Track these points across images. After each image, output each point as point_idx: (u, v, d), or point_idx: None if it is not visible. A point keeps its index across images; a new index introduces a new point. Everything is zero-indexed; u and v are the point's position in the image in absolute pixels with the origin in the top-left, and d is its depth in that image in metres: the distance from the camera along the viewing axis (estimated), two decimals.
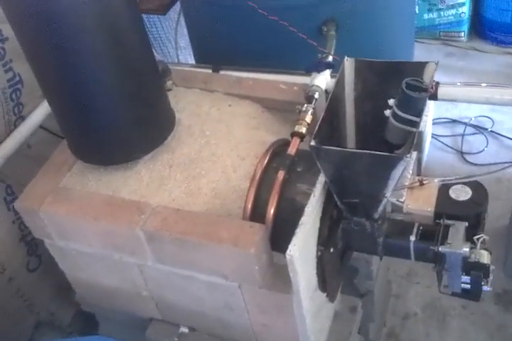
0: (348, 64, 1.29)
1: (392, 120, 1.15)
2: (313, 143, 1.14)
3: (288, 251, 1.15)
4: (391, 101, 1.15)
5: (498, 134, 2.67)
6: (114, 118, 1.38)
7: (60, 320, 2.02)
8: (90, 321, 1.89)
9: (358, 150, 1.12)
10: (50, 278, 1.93)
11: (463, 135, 2.69)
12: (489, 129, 2.69)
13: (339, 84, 1.29)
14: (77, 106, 1.36)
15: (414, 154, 1.58)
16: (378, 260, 1.62)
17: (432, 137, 2.56)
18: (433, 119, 2.43)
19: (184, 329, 1.55)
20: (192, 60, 2.48)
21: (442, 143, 2.66)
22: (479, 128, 2.71)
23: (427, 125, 2.21)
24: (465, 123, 2.73)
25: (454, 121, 2.76)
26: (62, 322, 2.03)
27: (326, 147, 1.12)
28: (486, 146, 2.63)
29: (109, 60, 1.29)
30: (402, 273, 2.17)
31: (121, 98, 1.36)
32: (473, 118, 2.74)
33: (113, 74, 1.31)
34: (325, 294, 1.39)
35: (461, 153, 2.61)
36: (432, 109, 2.31)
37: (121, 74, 1.32)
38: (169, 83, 1.63)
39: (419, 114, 1.13)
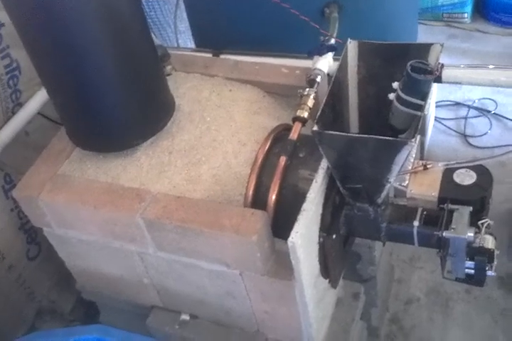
0: (351, 46, 1.27)
1: (396, 103, 1.13)
2: (315, 128, 1.12)
3: (290, 238, 1.14)
4: (395, 85, 1.12)
5: (502, 116, 2.64)
6: (113, 104, 1.37)
7: (62, 307, 2.03)
8: (92, 308, 1.89)
9: (361, 135, 1.09)
10: (51, 266, 1.93)
11: (466, 118, 2.66)
12: (493, 112, 2.66)
13: (342, 67, 1.26)
14: (75, 93, 1.34)
15: (418, 138, 1.56)
16: (381, 245, 1.61)
17: (435, 120, 2.53)
18: (436, 102, 2.41)
19: (185, 317, 1.54)
20: (192, 45, 2.45)
21: (445, 126, 2.63)
22: (483, 111, 2.68)
23: (430, 108, 2.19)
24: (468, 106, 2.70)
25: (457, 103, 2.72)
26: (64, 310, 2.03)
27: (329, 132, 1.10)
28: (490, 129, 2.60)
29: (107, 45, 1.27)
30: (404, 258, 2.16)
31: (120, 83, 1.34)
32: (476, 101, 2.71)
33: (111, 59, 1.29)
34: (327, 280, 1.38)
35: (465, 136, 2.59)
36: (434, 92, 2.29)
37: (119, 59, 1.30)
38: (169, 68, 1.61)
39: (424, 97, 1.10)
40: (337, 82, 1.23)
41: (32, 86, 1.74)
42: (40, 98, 1.73)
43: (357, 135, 1.14)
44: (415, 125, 1.08)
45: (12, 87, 1.73)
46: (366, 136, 1.06)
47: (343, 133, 1.10)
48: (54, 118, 1.70)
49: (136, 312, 1.63)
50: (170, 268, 1.42)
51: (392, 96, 1.13)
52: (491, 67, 1.40)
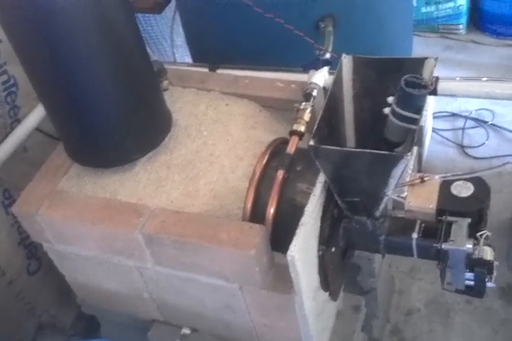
0: (346, 61, 1.28)
1: (391, 118, 1.13)
2: (312, 142, 1.12)
3: (289, 252, 1.14)
4: (390, 99, 1.13)
5: (499, 127, 2.65)
6: (110, 120, 1.37)
7: (62, 322, 2.02)
8: (92, 323, 1.88)
9: (357, 150, 1.10)
10: (51, 281, 1.92)
11: (463, 129, 2.67)
12: (490, 122, 2.67)
13: (337, 81, 1.27)
14: (72, 109, 1.34)
15: (415, 149, 1.56)
16: (380, 257, 1.61)
17: (433, 131, 2.54)
18: (433, 113, 2.41)
19: (186, 331, 1.54)
20: (189, 59, 2.46)
21: (443, 137, 2.64)
22: (480, 122, 2.69)
23: (427, 119, 2.19)
24: (465, 117, 2.71)
25: (454, 114, 2.73)
26: (64, 325, 2.02)
27: (325, 146, 1.10)
28: (487, 139, 2.61)
29: (102, 61, 1.27)
30: (404, 269, 2.15)
31: (116, 99, 1.35)
32: (473, 112, 2.72)
33: (107, 75, 1.30)
34: (327, 293, 1.38)
35: (462, 147, 2.59)
36: (431, 103, 2.29)
37: (115, 75, 1.31)
38: (165, 83, 1.62)
39: (418, 111, 1.11)
40: (332, 96, 1.24)
41: (30, 101, 1.75)
42: (38, 114, 1.73)
43: (353, 149, 1.15)
44: (411, 139, 1.09)
45: (10, 103, 1.74)
46: (362, 150, 1.07)
47: (339, 148, 1.11)
48: (52, 133, 1.70)
49: (137, 325, 1.63)
50: (169, 282, 1.42)
51: (387, 110, 1.14)
52: (484, 79, 1.41)
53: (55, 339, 1.97)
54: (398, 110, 1.11)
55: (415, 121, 1.11)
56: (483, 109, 2.71)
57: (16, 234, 1.83)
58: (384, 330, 1.97)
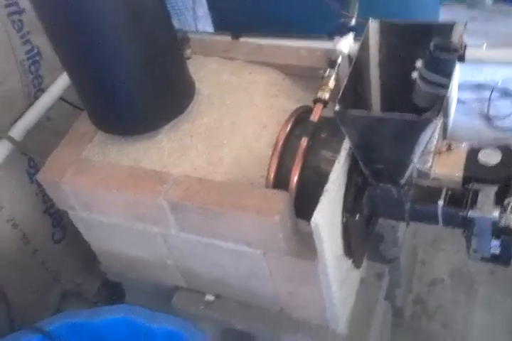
0: (373, 26, 1.25)
1: (419, 82, 1.11)
2: (337, 108, 1.11)
3: (313, 219, 1.13)
4: (419, 63, 1.11)
5: None
6: (134, 87, 1.37)
7: (87, 290, 2.05)
8: (116, 291, 1.90)
9: (384, 114, 1.08)
10: (76, 249, 1.95)
11: (489, 99, 2.62)
12: None
13: (363, 47, 1.25)
14: (96, 77, 1.34)
15: (441, 120, 1.54)
16: (404, 226, 1.60)
17: (458, 102, 2.50)
18: (458, 83, 2.37)
19: (210, 297, 1.55)
20: (211, 30, 2.43)
21: (468, 107, 2.59)
22: (506, 92, 2.63)
23: (452, 89, 2.15)
24: (491, 87, 2.66)
25: (480, 85, 2.68)
26: (89, 293, 2.05)
27: (351, 111, 1.09)
28: None
29: (126, 28, 1.27)
30: (428, 240, 2.14)
31: (140, 67, 1.34)
32: (499, 82, 2.66)
33: (130, 42, 1.29)
34: (351, 261, 1.38)
35: (488, 118, 2.55)
36: (457, 73, 2.25)
37: (138, 42, 1.30)
38: (188, 51, 1.60)
39: (448, 75, 1.09)
40: (358, 62, 1.22)
41: (53, 71, 1.75)
42: (61, 83, 1.74)
43: (380, 114, 1.13)
44: (439, 103, 1.07)
45: (34, 73, 1.74)
46: (389, 115, 1.05)
47: (366, 113, 1.09)
48: (76, 103, 1.70)
49: (161, 293, 1.65)
50: (193, 249, 1.43)
51: (415, 75, 1.12)
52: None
53: (79, 307, 2.00)
54: (427, 75, 1.08)
55: (444, 86, 1.08)
56: (509, 79, 2.65)
57: (40, 203, 1.86)
58: (407, 300, 1.97)
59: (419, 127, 1.05)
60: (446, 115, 1.79)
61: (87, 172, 1.41)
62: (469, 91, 2.67)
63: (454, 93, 2.17)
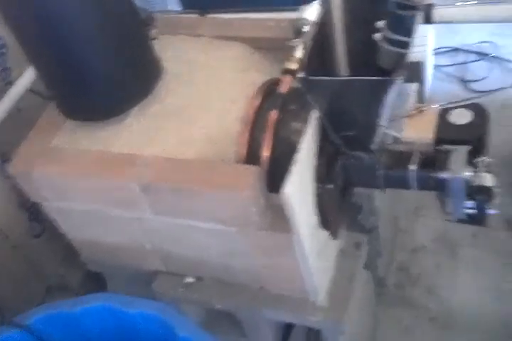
0: None
1: (382, 43, 1.09)
2: (301, 74, 1.09)
3: (283, 189, 1.12)
4: (380, 23, 1.09)
5: (501, 59, 2.58)
6: (97, 70, 1.35)
7: (71, 282, 2.03)
8: (100, 281, 1.89)
9: (347, 78, 1.07)
10: (57, 242, 1.91)
11: (465, 63, 2.60)
12: (492, 54, 2.59)
13: (326, 12, 1.22)
14: (58, 61, 1.32)
15: (415, 86, 1.52)
16: (381, 195, 1.59)
17: (435, 67, 2.48)
18: (434, 49, 2.35)
19: (190, 280, 1.54)
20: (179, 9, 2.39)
21: (445, 72, 2.57)
22: (481, 55, 2.61)
23: (427, 55, 2.13)
24: (467, 51, 2.64)
25: (455, 49, 2.66)
26: (73, 284, 2.03)
27: (315, 77, 1.07)
28: (489, 72, 2.54)
29: (86, 12, 1.24)
30: (408, 208, 2.13)
31: (102, 50, 1.32)
32: (474, 45, 2.64)
33: (92, 26, 1.27)
34: (327, 232, 1.37)
35: (465, 82, 2.53)
36: (431, 39, 2.23)
37: (100, 25, 1.28)
38: (154, 31, 1.57)
39: (409, 34, 1.07)
40: (322, 27, 1.20)
41: (21, 62, 1.71)
42: (30, 75, 1.70)
43: (343, 78, 1.11)
44: (402, 63, 1.05)
45: (1, 65, 1.71)
46: (352, 77, 1.03)
47: (329, 78, 1.07)
48: (45, 94, 1.68)
49: (142, 278, 1.63)
50: (169, 231, 1.42)
51: (378, 36, 1.10)
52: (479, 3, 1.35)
53: (64, 299, 1.99)
54: (389, 34, 1.06)
55: (406, 45, 1.06)
56: (484, 41, 2.63)
57: (16, 197, 1.82)
58: (390, 268, 1.96)
59: (382, 88, 1.03)
60: (422, 82, 1.77)
61: (58, 161, 1.39)
62: (446, 56, 2.65)
63: (429, 59, 2.14)
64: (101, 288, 1.85)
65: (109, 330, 1.41)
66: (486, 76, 2.52)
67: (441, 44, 2.63)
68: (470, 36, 2.66)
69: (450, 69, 2.59)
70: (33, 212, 1.88)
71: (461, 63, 2.61)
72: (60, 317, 1.37)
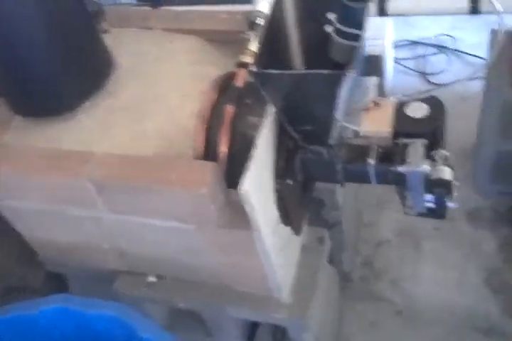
0: None
1: (334, 36, 1.07)
2: (253, 68, 1.06)
3: (241, 186, 1.09)
4: (331, 16, 1.07)
5: (460, 51, 2.59)
6: (45, 66, 1.31)
7: (32, 283, 1.97)
8: (63, 281, 1.84)
9: (298, 71, 1.04)
10: (13, 243, 1.86)
11: (424, 56, 2.61)
12: (450, 47, 2.61)
13: (278, 3, 1.20)
14: (2, 58, 1.27)
15: (375, 79, 1.51)
16: (343, 190, 1.58)
17: (394, 61, 2.48)
18: (393, 42, 2.35)
19: (152, 279, 1.51)
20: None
21: (405, 66, 2.58)
22: (440, 48, 2.62)
23: (386, 48, 2.13)
24: (425, 44, 2.64)
25: (414, 42, 2.67)
26: (35, 285, 1.98)
27: (266, 71, 1.04)
28: (449, 65, 2.56)
29: (30, 6, 1.20)
30: (371, 202, 2.13)
31: (49, 45, 1.28)
32: (433, 38, 2.65)
33: (37, 20, 1.23)
34: (289, 228, 1.35)
35: (425, 75, 2.54)
36: (390, 32, 2.23)
37: (45, 19, 1.24)
38: (104, 24, 1.53)
39: (360, 26, 1.05)
40: (274, 19, 1.17)
41: None
42: None
43: (294, 71, 1.09)
44: (354, 56, 1.03)
45: None
46: (303, 71, 1.01)
47: (281, 71, 1.05)
48: None
49: (104, 279, 1.59)
50: (126, 230, 1.38)
51: (329, 28, 1.08)
52: None
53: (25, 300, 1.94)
54: (340, 26, 1.04)
55: (358, 38, 1.05)
56: (443, 34, 2.64)
57: None
58: (355, 263, 1.96)
59: (335, 82, 1.01)
60: (381, 75, 1.77)
61: (6, 159, 1.34)
62: (405, 49, 2.65)
63: (388, 53, 2.14)
64: (64, 288, 1.80)
65: (69, 332, 1.37)
66: (446, 69, 2.54)
67: (400, 37, 2.64)
68: (428, 29, 2.67)
69: (409, 63, 2.60)
70: None
71: (421, 56, 2.62)
72: (15, 321, 1.34)
